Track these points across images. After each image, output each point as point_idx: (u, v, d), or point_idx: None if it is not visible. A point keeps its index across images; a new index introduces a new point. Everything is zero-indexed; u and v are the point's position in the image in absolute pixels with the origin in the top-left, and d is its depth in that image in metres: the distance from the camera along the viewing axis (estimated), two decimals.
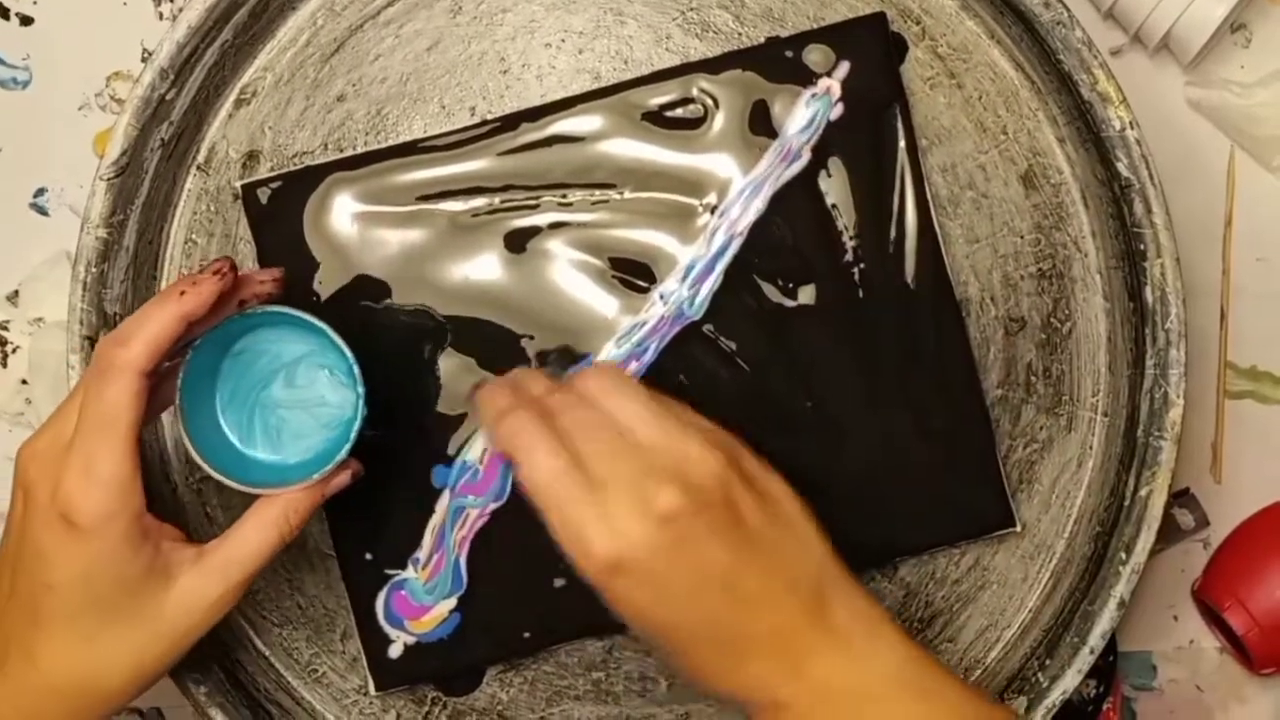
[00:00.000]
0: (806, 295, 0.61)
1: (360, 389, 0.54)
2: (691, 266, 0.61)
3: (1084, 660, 0.59)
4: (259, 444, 0.56)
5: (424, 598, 0.61)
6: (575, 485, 0.49)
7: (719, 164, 0.61)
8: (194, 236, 0.63)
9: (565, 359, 0.61)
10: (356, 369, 0.54)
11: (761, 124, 0.61)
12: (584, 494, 0.49)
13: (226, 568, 0.53)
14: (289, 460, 0.56)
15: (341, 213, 0.61)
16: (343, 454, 0.54)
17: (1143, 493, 0.59)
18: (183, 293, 0.51)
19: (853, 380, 0.61)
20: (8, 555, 0.52)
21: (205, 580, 0.52)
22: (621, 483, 0.49)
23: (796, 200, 0.61)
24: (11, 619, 0.52)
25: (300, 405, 0.56)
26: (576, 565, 0.50)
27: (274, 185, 0.62)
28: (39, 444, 0.52)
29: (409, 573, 0.61)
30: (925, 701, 0.50)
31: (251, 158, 0.63)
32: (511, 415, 0.51)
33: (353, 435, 0.54)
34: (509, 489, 0.61)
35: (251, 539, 0.53)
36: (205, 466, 0.54)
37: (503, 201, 0.62)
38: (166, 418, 0.63)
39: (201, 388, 0.55)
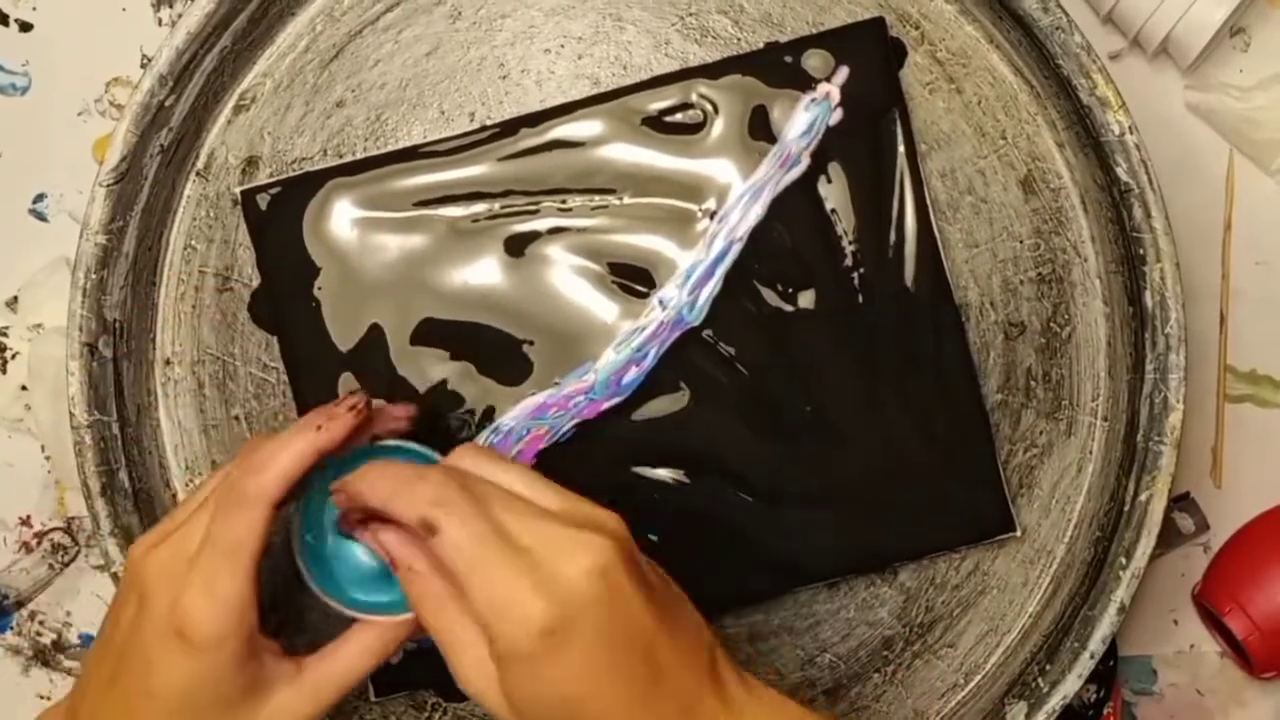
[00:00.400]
0: (806, 300, 0.61)
1: None
2: (691, 272, 0.61)
3: (1084, 665, 0.59)
4: (355, 572, 0.56)
5: None
6: (505, 548, 0.47)
7: (718, 169, 0.61)
8: (193, 242, 0.63)
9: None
10: None
11: (761, 129, 0.61)
12: (514, 556, 0.47)
13: (322, 687, 0.53)
14: (368, 599, 0.55)
15: (341, 218, 0.61)
16: None
17: (1143, 497, 0.59)
18: (319, 427, 0.52)
19: (852, 385, 0.61)
20: (112, 648, 0.52)
21: (300, 699, 0.53)
22: (549, 542, 0.48)
23: (796, 205, 0.61)
24: (106, 712, 0.52)
25: None
26: (506, 638, 0.47)
27: (273, 191, 0.62)
28: (163, 553, 0.52)
29: None
30: None
31: (251, 163, 0.63)
32: (427, 477, 0.49)
33: None
34: None
35: (351, 662, 0.53)
36: (312, 585, 0.54)
37: (502, 207, 0.62)
38: (168, 422, 0.63)
39: (314, 509, 0.55)
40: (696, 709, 0.49)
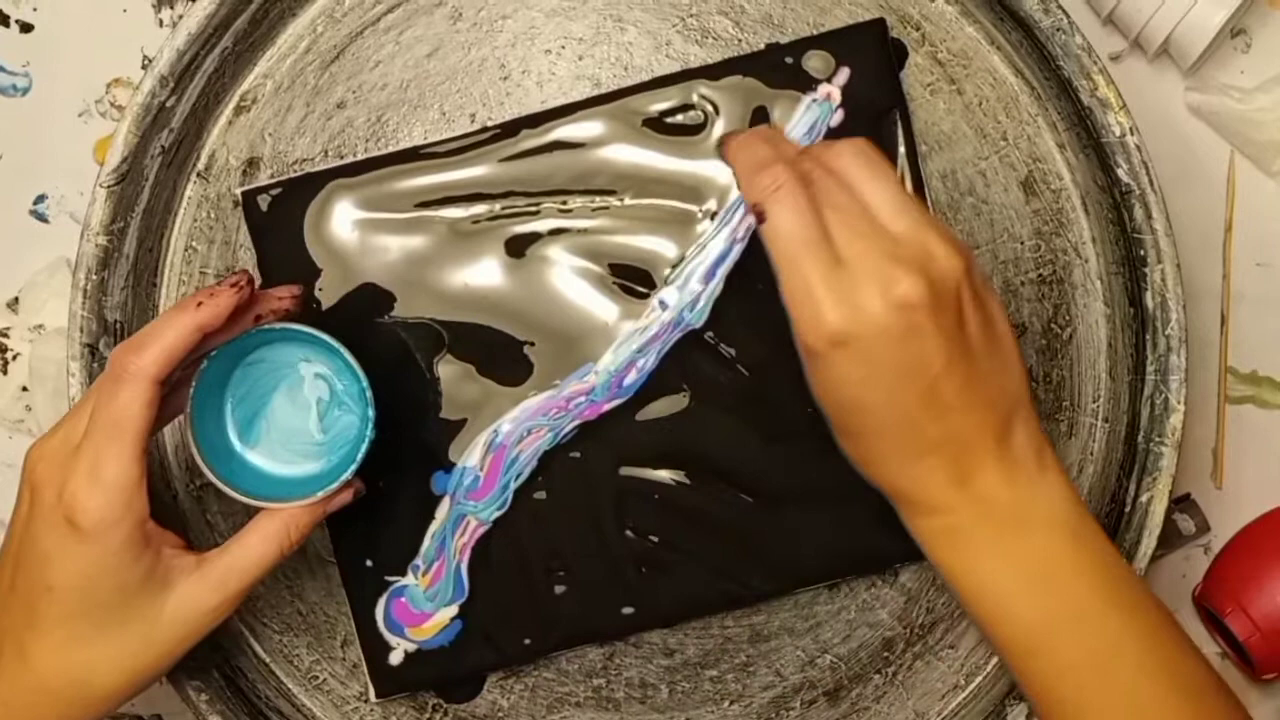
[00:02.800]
0: None
1: (371, 412, 0.55)
2: (692, 273, 0.61)
3: None
4: (264, 457, 0.57)
5: (424, 604, 0.61)
6: (822, 253, 0.50)
7: (719, 170, 0.61)
8: (194, 244, 0.63)
9: None
10: (369, 391, 0.55)
11: None
12: (828, 265, 0.50)
13: (225, 577, 0.53)
14: (293, 474, 0.57)
15: (342, 219, 0.61)
16: (348, 474, 0.54)
17: (1144, 498, 0.59)
18: (200, 304, 0.52)
19: None
20: (10, 552, 0.53)
21: (203, 589, 0.53)
22: (867, 263, 0.49)
23: None
24: (8, 617, 0.52)
25: (308, 421, 0.57)
26: (799, 329, 0.50)
27: (274, 192, 0.62)
28: (49, 445, 0.52)
29: (409, 579, 0.61)
30: (1074, 542, 0.51)
31: (252, 165, 0.63)
32: (773, 168, 0.52)
33: (359, 456, 0.55)
34: (510, 498, 0.61)
35: (252, 551, 0.54)
36: (210, 475, 0.54)
37: (503, 208, 0.62)
38: (168, 429, 0.63)
39: (212, 399, 0.56)
40: (970, 454, 0.51)
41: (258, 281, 0.55)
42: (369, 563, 0.61)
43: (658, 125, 0.61)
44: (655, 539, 0.61)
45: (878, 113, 0.61)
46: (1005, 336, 0.52)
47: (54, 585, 0.51)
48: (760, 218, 0.51)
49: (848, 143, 0.53)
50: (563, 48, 0.63)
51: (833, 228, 0.50)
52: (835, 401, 0.52)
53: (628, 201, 0.61)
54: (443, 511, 0.61)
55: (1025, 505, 0.51)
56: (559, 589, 0.61)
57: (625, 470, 0.61)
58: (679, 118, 0.61)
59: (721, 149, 0.60)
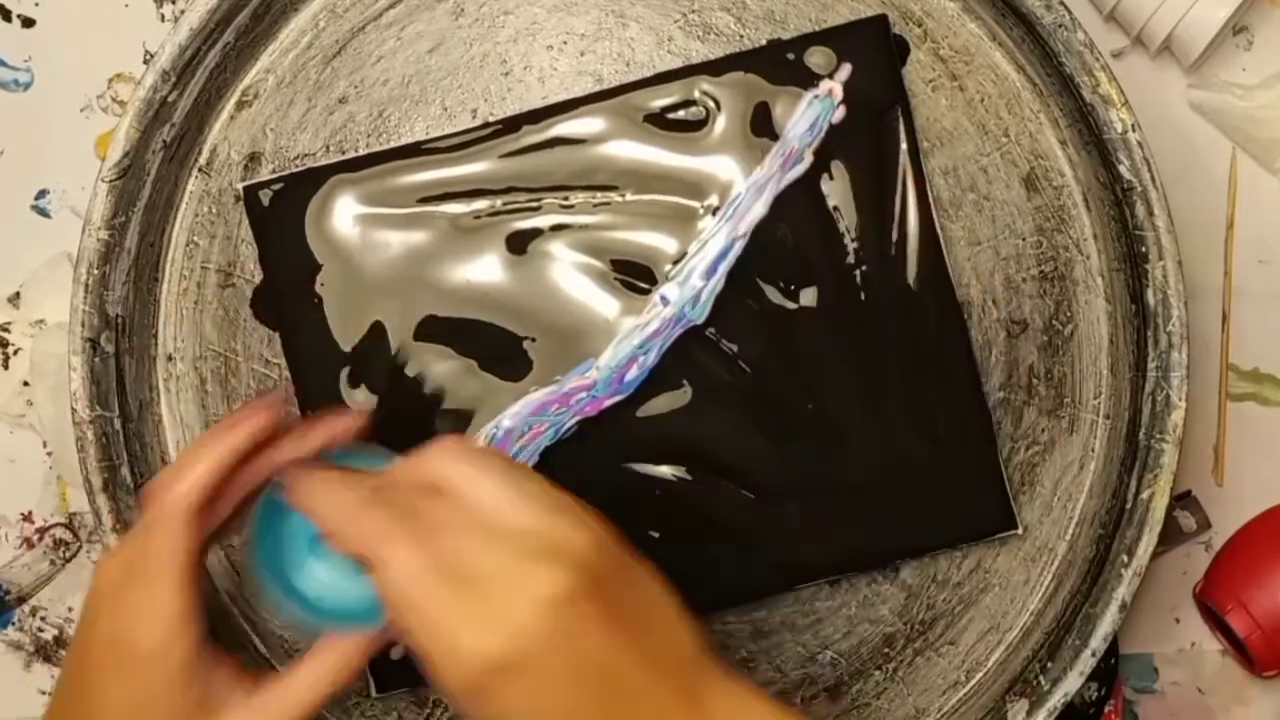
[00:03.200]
0: (808, 297, 0.61)
1: None
2: (693, 269, 0.61)
3: (1086, 663, 0.59)
4: (331, 575, 0.53)
5: None
6: (443, 584, 0.45)
7: (721, 166, 0.61)
8: (196, 238, 0.63)
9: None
10: None
11: (763, 126, 0.61)
12: (454, 593, 0.44)
13: (276, 709, 0.50)
14: (359, 597, 0.52)
15: (343, 215, 0.61)
16: None
17: (1144, 495, 0.59)
18: (231, 427, 0.51)
19: (854, 382, 0.61)
20: (64, 676, 0.52)
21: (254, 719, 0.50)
22: (497, 572, 0.45)
23: (798, 202, 0.61)
24: None
25: None
26: (445, 676, 0.44)
27: (276, 187, 0.62)
28: (110, 568, 0.51)
29: None
30: None
31: (253, 160, 0.63)
32: (364, 513, 0.47)
33: None
34: None
35: (308, 681, 0.50)
36: (276, 602, 0.52)
37: (504, 203, 0.62)
38: (170, 418, 0.63)
39: (277, 519, 0.53)
40: None
41: (293, 406, 0.55)
42: None
43: (659, 121, 0.61)
44: (656, 534, 0.61)
45: (879, 109, 0.61)
46: (660, 595, 0.48)
47: (106, 711, 0.50)
48: (371, 568, 0.46)
49: (435, 450, 0.48)
50: (564, 43, 0.63)
51: (446, 549, 0.45)
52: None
53: (629, 197, 0.61)
54: None
55: None
56: None
57: (626, 466, 0.61)
58: (681, 114, 0.61)
59: (283, 494, 0.51)
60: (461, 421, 0.61)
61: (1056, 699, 0.59)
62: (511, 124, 0.61)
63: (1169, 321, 0.59)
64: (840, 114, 0.61)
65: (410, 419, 0.61)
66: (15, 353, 0.69)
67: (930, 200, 0.61)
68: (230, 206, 0.63)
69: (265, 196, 0.62)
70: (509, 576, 0.44)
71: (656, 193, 0.61)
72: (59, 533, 0.69)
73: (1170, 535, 0.67)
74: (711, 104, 0.61)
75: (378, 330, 0.61)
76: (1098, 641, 0.59)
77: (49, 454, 0.69)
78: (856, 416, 0.61)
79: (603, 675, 0.45)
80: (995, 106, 0.62)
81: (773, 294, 0.61)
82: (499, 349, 0.61)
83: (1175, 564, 0.68)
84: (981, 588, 0.62)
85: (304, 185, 0.61)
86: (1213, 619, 0.67)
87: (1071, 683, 0.59)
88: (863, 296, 0.61)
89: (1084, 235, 0.62)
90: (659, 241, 0.61)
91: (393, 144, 0.62)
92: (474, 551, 0.45)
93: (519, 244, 0.62)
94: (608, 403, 0.61)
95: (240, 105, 0.63)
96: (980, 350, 0.62)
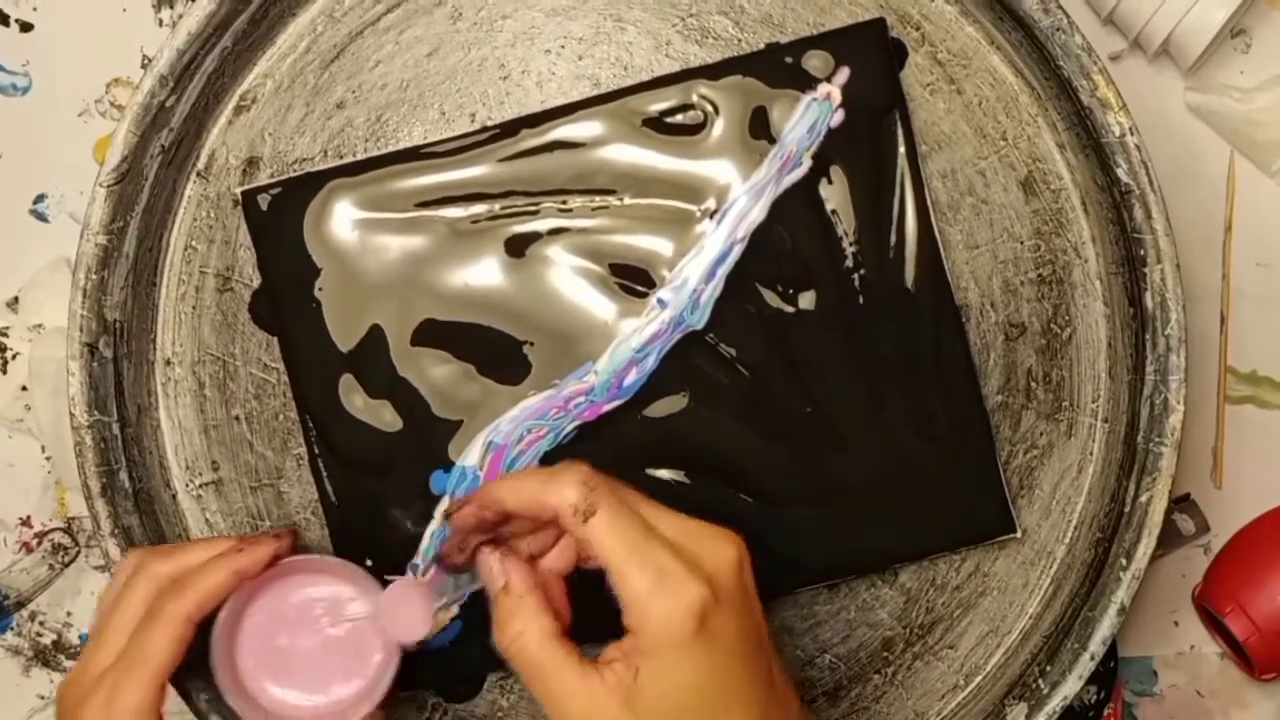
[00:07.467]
0: (807, 301, 0.61)
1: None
2: (691, 272, 0.61)
3: (1085, 666, 0.59)
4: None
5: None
6: (654, 534, 0.48)
7: (719, 170, 0.61)
8: (194, 243, 0.63)
9: None
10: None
11: (761, 130, 0.61)
12: (662, 543, 0.48)
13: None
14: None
15: (342, 219, 0.61)
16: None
17: (1143, 498, 0.59)
18: (240, 550, 0.54)
19: (853, 386, 0.61)
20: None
21: None
22: (690, 534, 0.49)
23: (796, 206, 0.61)
24: None
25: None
26: (657, 616, 0.47)
27: (274, 192, 0.62)
28: (73, 675, 0.54)
29: (408, 579, 0.61)
30: None
31: (251, 164, 0.63)
32: (574, 471, 0.50)
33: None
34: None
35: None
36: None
37: (503, 207, 0.62)
38: (168, 422, 0.63)
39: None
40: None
41: (300, 538, 0.59)
42: (368, 562, 0.61)
43: (657, 125, 0.61)
44: None
45: (877, 112, 0.61)
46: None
47: None
48: (588, 515, 0.48)
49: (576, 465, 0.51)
50: (563, 47, 0.63)
51: (644, 514, 0.49)
52: (692, 703, 0.47)
53: (627, 201, 0.61)
54: (441, 511, 0.61)
55: None
56: None
57: (625, 470, 0.61)
58: (679, 117, 0.61)
59: (465, 513, 0.53)
60: (459, 425, 0.61)
61: (1055, 702, 0.59)
62: (510, 128, 0.61)
63: (1167, 325, 0.59)
64: (838, 118, 0.61)
65: (406, 423, 0.61)
66: (14, 357, 0.69)
67: (928, 204, 0.61)
68: (228, 211, 0.63)
69: (263, 201, 0.62)
70: (700, 536, 0.49)
71: (655, 196, 0.61)
72: (57, 537, 0.69)
73: (1169, 538, 0.67)
74: (709, 108, 0.61)
75: (376, 334, 0.61)
76: (1097, 645, 0.59)
77: (47, 459, 0.69)
78: (855, 420, 0.61)
79: (766, 654, 0.50)
80: (993, 110, 0.62)
81: (771, 298, 0.61)
82: (497, 353, 0.61)
83: (1174, 567, 0.68)
84: (980, 591, 0.62)
85: (302, 190, 0.61)
86: (1212, 622, 0.67)
87: (1070, 686, 0.59)
88: (861, 300, 0.61)
89: (1082, 238, 0.62)
90: (657, 245, 0.61)
91: (391, 148, 0.62)
92: (661, 516, 0.49)
93: (517, 248, 0.62)
94: (606, 407, 0.61)
95: (238, 110, 0.63)
96: (978, 354, 0.62)
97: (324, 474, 0.61)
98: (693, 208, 0.61)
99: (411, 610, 0.55)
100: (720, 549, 0.49)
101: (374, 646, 0.56)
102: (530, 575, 0.51)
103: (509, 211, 0.62)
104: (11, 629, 0.69)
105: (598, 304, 0.61)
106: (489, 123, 0.62)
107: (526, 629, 0.49)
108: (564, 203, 0.61)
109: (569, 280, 0.61)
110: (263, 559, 0.55)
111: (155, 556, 0.55)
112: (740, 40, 0.62)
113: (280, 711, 0.56)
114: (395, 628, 0.55)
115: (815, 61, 0.61)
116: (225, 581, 0.54)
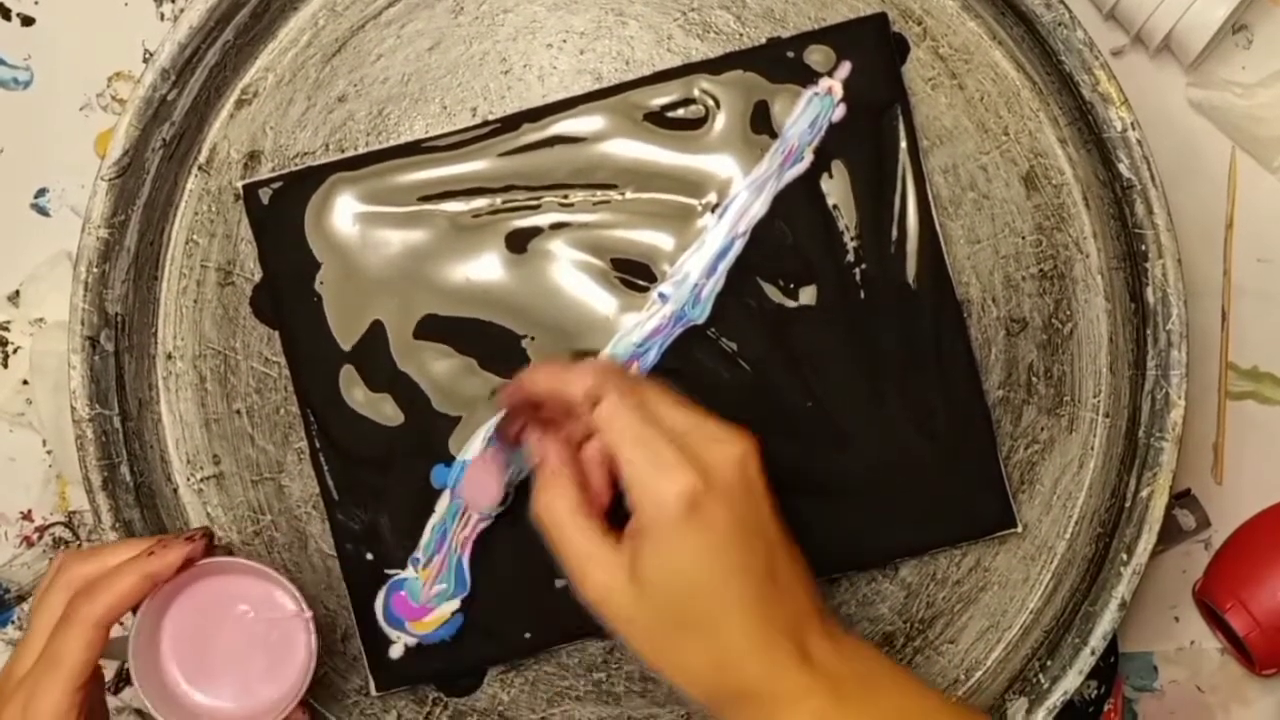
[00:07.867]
0: (808, 296, 0.61)
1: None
2: (692, 267, 0.61)
3: (1085, 661, 0.59)
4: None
5: (425, 599, 0.61)
6: (657, 424, 0.51)
7: (720, 164, 0.61)
8: (195, 237, 0.63)
9: None
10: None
11: (763, 124, 0.61)
12: (665, 434, 0.50)
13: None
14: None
15: (343, 213, 0.61)
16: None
17: (1144, 494, 0.59)
18: (151, 553, 0.54)
19: (854, 381, 0.61)
20: None
21: None
22: (696, 428, 0.51)
23: (798, 201, 0.61)
24: None
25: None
26: (649, 499, 0.50)
27: (275, 185, 0.62)
28: (2, 674, 0.54)
29: (409, 573, 0.61)
30: (919, 689, 0.53)
31: (253, 158, 0.63)
32: (592, 366, 0.54)
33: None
34: (511, 492, 0.61)
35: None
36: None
37: (504, 202, 0.62)
38: (169, 416, 0.63)
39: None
40: (805, 629, 0.50)
41: (215, 538, 0.59)
42: (369, 556, 0.61)
43: (659, 119, 0.61)
44: None
45: (879, 107, 0.61)
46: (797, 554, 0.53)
47: None
48: (595, 402, 0.52)
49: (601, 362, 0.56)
50: (564, 42, 0.63)
51: (654, 406, 0.52)
52: (675, 587, 0.50)
53: (629, 195, 0.61)
54: (442, 505, 0.61)
55: (862, 672, 0.51)
56: (560, 583, 0.61)
57: None
58: (680, 112, 0.61)
59: (509, 395, 0.56)
60: (460, 419, 0.61)
61: (1056, 697, 0.59)
62: (511, 122, 0.61)
63: (1168, 320, 0.59)
64: (840, 112, 0.61)
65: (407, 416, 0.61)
66: (15, 351, 0.69)
67: (930, 198, 0.61)
68: (230, 205, 0.63)
69: (265, 195, 0.62)
70: (706, 431, 0.51)
71: (656, 191, 0.61)
72: (58, 531, 0.69)
73: (1170, 534, 0.67)
74: (711, 102, 0.61)
75: (377, 329, 0.61)
76: (1097, 640, 0.59)
77: (48, 452, 0.69)
78: (856, 415, 0.61)
79: (767, 547, 0.51)
80: (995, 105, 0.62)
81: (772, 292, 0.61)
82: (498, 347, 0.61)
83: (1174, 562, 0.68)
84: (981, 586, 0.62)
85: (304, 184, 0.61)
86: (1212, 617, 0.67)
87: (1071, 681, 0.59)
88: (862, 295, 0.61)
89: (1083, 233, 0.62)
90: (658, 240, 0.61)
91: (392, 142, 0.62)
92: (672, 410, 0.52)
93: (519, 242, 0.62)
94: None
95: (240, 104, 0.63)
96: (980, 349, 0.62)
97: (325, 468, 0.61)
98: (694, 202, 0.61)
99: (489, 479, 0.58)
100: (726, 444, 0.51)
101: (298, 643, 0.56)
102: (565, 453, 0.53)
103: (510, 206, 0.62)
104: (12, 623, 0.69)
105: (599, 299, 0.61)
106: (490, 117, 0.62)
107: (557, 500, 0.52)
108: (565, 197, 0.61)
109: (570, 275, 0.61)
110: (174, 563, 0.54)
111: (76, 559, 0.55)
112: (742, 35, 0.62)
113: (208, 714, 0.56)
114: (475, 496, 0.59)
115: (817, 56, 0.61)
116: (136, 585, 0.53)
